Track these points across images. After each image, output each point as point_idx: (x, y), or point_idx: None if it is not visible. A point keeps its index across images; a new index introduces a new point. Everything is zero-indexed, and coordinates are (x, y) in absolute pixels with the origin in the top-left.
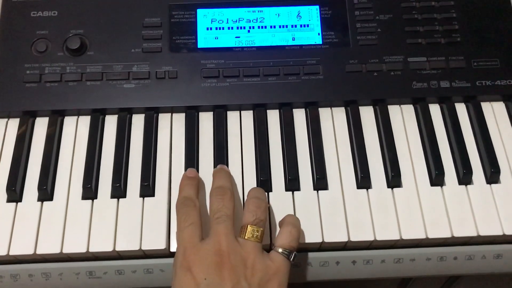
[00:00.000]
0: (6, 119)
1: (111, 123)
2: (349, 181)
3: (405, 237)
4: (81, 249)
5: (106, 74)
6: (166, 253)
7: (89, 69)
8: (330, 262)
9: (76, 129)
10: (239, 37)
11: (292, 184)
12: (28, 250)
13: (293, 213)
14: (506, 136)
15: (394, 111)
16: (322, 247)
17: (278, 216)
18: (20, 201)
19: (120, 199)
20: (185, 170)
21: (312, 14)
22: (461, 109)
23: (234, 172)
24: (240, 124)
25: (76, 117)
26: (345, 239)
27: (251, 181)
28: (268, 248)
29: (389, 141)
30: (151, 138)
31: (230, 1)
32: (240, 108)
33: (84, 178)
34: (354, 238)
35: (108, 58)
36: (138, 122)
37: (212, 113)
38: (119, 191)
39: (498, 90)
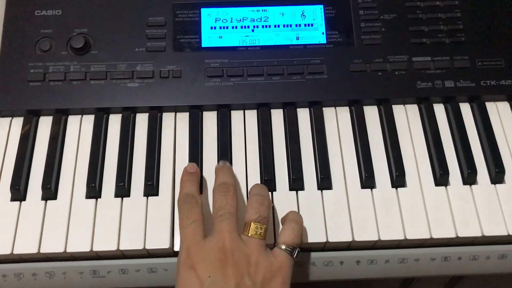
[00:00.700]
0: (10, 118)
1: (115, 122)
2: (353, 180)
3: (409, 237)
4: (85, 248)
5: (110, 73)
6: (170, 253)
7: (93, 68)
8: (334, 262)
9: (80, 128)
10: (243, 36)
11: (296, 183)
12: (32, 249)
13: None
14: (510, 136)
15: (398, 110)
16: (326, 247)
17: (282, 216)
18: (24, 200)
19: (124, 198)
20: None
21: (316, 13)
22: (465, 109)
23: (238, 172)
24: (244, 124)
25: (80, 116)
26: (349, 239)
27: (255, 181)
28: (272, 247)
29: (394, 140)
30: (155, 137)
31: (234, 0)
32: (244, 107)
33: (88, 177)
34: (358, 238)
35: (112, 57)
36: (142, 121)
37: (216, 112)
38: (123, 190)
39: (503, 90)
